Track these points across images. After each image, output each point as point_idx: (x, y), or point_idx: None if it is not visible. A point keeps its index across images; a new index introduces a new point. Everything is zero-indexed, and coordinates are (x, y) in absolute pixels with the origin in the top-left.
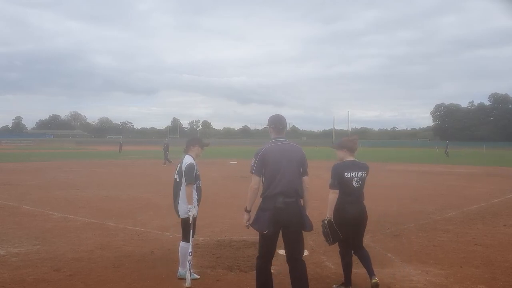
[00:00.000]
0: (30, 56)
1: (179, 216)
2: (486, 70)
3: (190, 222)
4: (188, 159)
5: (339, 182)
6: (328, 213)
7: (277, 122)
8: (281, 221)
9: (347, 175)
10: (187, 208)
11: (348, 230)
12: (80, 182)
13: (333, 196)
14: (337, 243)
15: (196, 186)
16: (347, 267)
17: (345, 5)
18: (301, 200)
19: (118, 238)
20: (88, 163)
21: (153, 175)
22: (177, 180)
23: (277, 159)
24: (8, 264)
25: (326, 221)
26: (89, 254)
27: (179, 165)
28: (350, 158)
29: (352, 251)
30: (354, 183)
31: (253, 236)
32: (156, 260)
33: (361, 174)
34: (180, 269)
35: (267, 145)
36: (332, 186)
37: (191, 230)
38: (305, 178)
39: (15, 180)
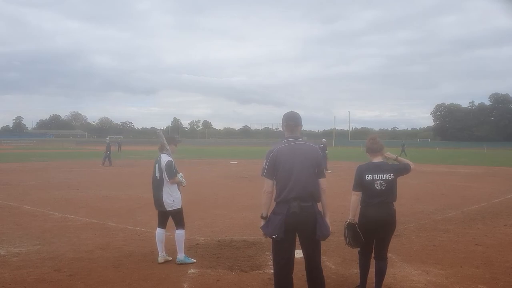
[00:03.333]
0: (29, 56)
1: (165, 209)
2: (486, 70)
3: (180, 211)
4: (165, 157)
5: (360, 184)
6: (350, 215)
7: (289, 120)
8: (293, 226)
9: (368, 177)
10: (172, 198)
11: (369, 234)
12: (80, 182)
13: (354, 198)
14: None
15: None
16: (363, 270)
17: (345, 5)
18: (318, 204)
19: (118, 238)
20: (88, 163)
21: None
22: (158, 177)
23: (290, 160)
24: (9, 264)
25: (346, 223)
26: (90, 254)
27: (157, 164)
28: (377, 159)
29: (373, 257)
30: (377, 186)
31: (254, 236)
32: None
33: (386, 176)
34: (178, 255)
35: (279, 145)
36: (353, 188)
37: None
38: (321, 180)
39: (15, 180)
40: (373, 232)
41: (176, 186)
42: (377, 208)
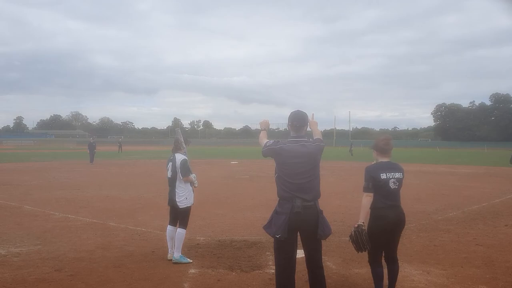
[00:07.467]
0: (29, 56)
1: (178, 206)
2: (487, 70)
3: (188, 212)
4: (180, 156)
5: (374, 185)
6: (361, 219)
7: (293, 120)
8: (296, 225)
9: (383, 176)
10: (185, 195)
11: (385, 236)
12: (80, 182)
13: (366, 200)
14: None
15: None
16: (377, 277)
17: (346, 5)
18: (320, 204)
19: (119, 238)
20: (89, 163)
21: (154, 175)
22: (169, 176)
23: (292, 160)
24: (10, 264)
25: (357, 227)
26: (90, 254)
27: (170, 163)
28: (385, 159)
29: (384, 259)
30: (391, 185)
31: (254, 236)
32: (157, 260)
33: (397, 175)
34: (175, 254)
35: (283, 143)
36: (366, 189)
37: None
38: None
39: (16, 180)
40: (388, 235)
41: (189, 184)
42: (392, 209)
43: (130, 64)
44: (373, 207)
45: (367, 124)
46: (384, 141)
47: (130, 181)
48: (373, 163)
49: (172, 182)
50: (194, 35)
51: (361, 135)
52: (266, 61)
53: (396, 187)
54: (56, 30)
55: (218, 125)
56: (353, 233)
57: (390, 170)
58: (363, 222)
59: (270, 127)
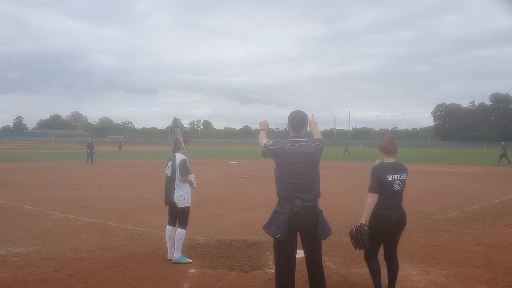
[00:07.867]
0: (29, 56)
1: (177, 207)
2: (487, 70)
3: (187, 212)
4: (180, 156)
5: (379, 185)
6: (363, 218)
7: (293, 120)
8: (296, 225)
9: (389, 178)
10: (184, 195)
11: (386, 236)
12: (80, 182)
13: (371, 200)
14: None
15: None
16: (375, 273)
17: (346, 5)
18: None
19: (119, 238)
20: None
21: (154, 175)
22: (169, 175)
23: (292, 160)
24: (9, 264)
25: (359, 225)
26: (90, 254)
27: (170, 162)
28: (390, 160)
29: (384, 259)
30: (396, 186)
31: (254, 236)
32: (157, 260)
33: (402, 176)
34: (175, 254)
35: (283, 143)
36: (371, 190)
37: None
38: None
39: (16, 180)
40: (390, 234)
41: (188, 184)
42: (396, 210)
43: (130, 64)
44: (376, 208)
45: (367, 124)
46: (388, 141)
47: (130, 181)
48: (375, 163)
49: (171, 181)
50: (194, 35)
51: (361, 135)
52: (266, 61)
53: (400, 188)
54: (56, 30)
55: (218, 125)
56: (354, 230)
57: (396, 171)
58: (366, 222)
59: (270, 127)
